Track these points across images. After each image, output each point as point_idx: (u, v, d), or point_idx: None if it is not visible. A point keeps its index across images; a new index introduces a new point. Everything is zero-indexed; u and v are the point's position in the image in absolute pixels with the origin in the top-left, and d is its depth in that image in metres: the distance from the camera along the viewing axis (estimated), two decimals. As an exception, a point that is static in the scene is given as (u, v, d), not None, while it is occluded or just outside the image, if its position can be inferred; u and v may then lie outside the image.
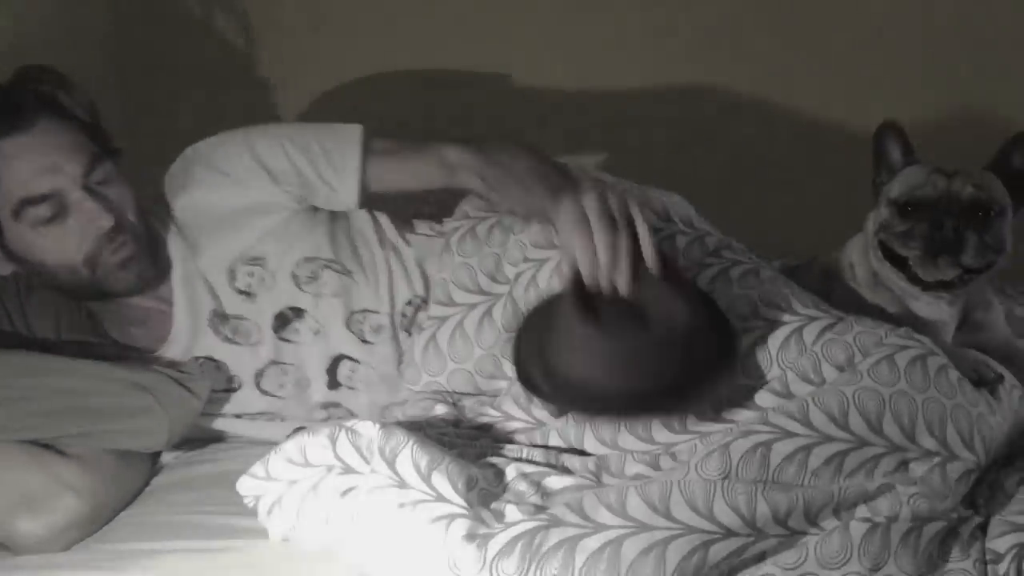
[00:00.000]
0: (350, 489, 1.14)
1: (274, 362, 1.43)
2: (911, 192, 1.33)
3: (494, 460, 1.20)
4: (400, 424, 1.20)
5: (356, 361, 1.43)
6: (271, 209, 1.45)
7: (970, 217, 1.30)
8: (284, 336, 1.43)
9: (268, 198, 1.44)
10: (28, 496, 1.22)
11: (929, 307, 1.37)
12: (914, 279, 1.34)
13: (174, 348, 1.42)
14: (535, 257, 1.38)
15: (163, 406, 1.31)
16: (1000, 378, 1.24)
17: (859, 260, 1.43)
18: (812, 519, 1.07)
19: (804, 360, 1.20)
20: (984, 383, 1.22)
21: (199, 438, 1.45)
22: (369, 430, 1.15)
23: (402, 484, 1.11)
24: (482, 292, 1.40)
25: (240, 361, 1.43)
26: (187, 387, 1.35)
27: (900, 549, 1.04)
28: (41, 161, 1.29)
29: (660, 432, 1.20)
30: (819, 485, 1.09)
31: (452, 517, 1.07)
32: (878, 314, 1.34)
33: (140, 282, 1.40)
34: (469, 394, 1.38)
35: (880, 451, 1.11)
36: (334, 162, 1.44)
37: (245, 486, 1.20)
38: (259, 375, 1.43)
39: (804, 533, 1.07)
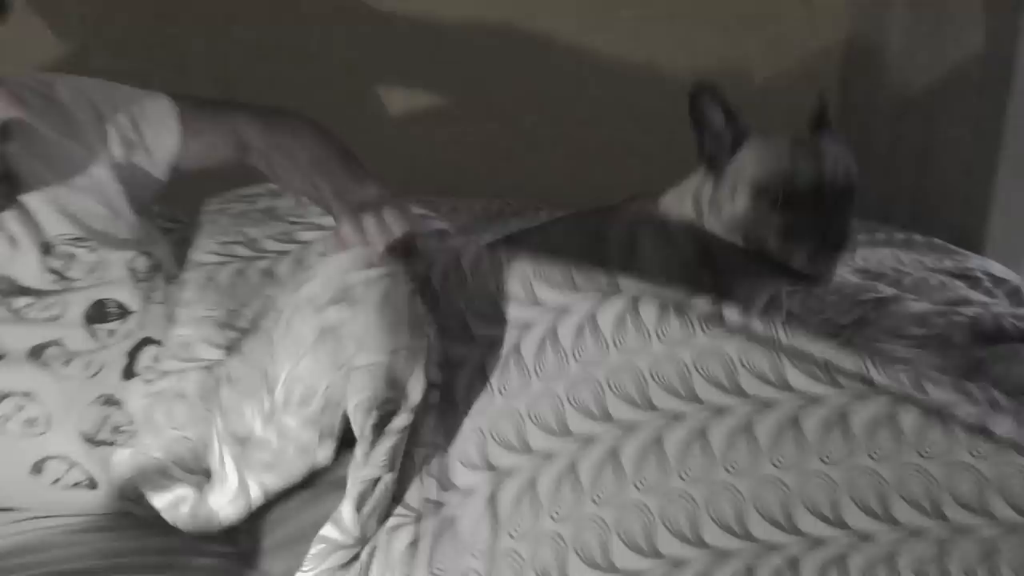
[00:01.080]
0: None
1: (57, 344, 1.15)
2: (784, 180, 1.13)
3: None
4: None
5: (162, 346, 1.18)
6: (96, 159, 1.26)
7: (846, 203, 1.14)
8: (92, 329, 1.17)
9: (94, 141, 1.27)
10: None
11: None
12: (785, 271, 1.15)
13: None
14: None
15: None
16: None
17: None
18: None
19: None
20: None
21: None
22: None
23: None
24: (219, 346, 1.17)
25: (11, 334, 1.13)
26: None
27: None
28: None
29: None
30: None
31: None
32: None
33: None
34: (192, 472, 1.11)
35: None
36: (152, 124, 1.32)
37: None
38: (38, 350, 1.13)
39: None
